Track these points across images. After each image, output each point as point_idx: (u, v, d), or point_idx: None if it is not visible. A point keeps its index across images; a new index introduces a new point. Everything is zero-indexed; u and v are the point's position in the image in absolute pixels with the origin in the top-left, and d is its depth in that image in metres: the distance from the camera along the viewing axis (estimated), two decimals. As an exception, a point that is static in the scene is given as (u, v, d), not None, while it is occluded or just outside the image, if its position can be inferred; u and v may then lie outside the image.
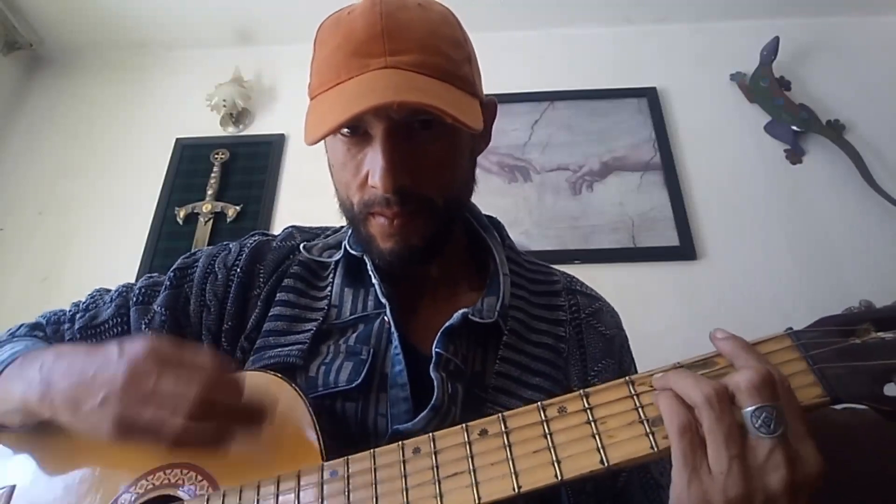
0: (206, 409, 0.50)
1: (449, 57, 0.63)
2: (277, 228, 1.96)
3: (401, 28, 0.60)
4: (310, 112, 0.64)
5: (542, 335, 0.70)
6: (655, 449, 0.45)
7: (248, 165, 2.13)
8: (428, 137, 0.62)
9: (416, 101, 0.57)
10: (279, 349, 0.66)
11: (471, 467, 0.47)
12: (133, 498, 0.58)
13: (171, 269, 0.75)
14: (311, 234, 0.81)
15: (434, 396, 0.58)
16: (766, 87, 2.10)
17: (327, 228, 0.82)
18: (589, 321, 0.75)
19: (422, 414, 0.58)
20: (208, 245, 1.93)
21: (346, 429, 0.61)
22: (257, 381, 0.60)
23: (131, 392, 0.51)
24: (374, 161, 0.60)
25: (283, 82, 2.29)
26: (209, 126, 2.18)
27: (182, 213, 2.01)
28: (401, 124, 0.60)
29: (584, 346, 0.72)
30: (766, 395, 0.43)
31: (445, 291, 0.73)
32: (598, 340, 0.74)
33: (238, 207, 2.02)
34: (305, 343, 0.66)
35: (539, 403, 0.49)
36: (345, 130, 0.62)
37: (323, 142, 0.69)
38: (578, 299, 0.77)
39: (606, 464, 0.45)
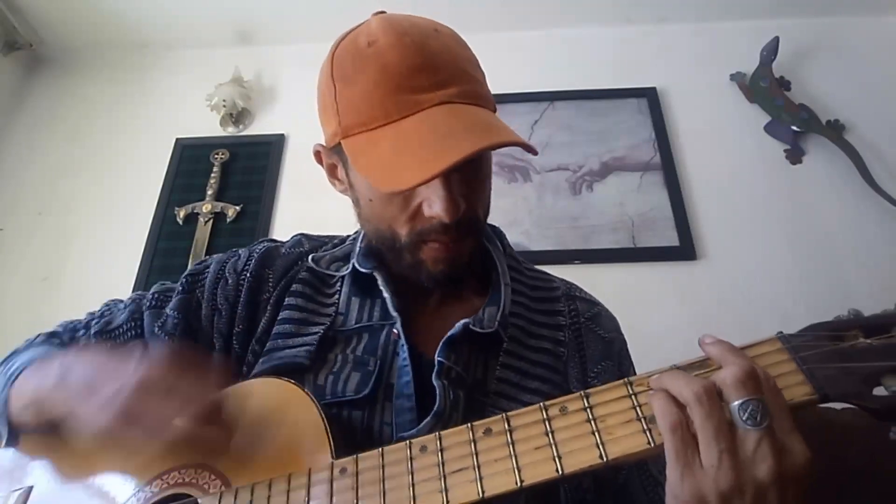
0: (213, 416, 0.53)
1: (478, 81, 0.66)
2: (278, 229, 1.98)
3: (436, 58, 0.62)
4: (364, 152, 0.62)
5: (542, 340, 0.72)
6: (652, 444, 0.46)
7: (248, 165, 2.13)
8: (474, 162, 0.64)
9: (506, 141, 0.59)
10: (287, 350, 0.68)
11: (475, 463, 0.49)
12: (148, 496, 0.59)
13: (183, 276, 0.77)
14: (318, 241, 0.82)
15: (437, 403, 0.60)
16: (766, 87, 2.11)
17: (334, 237, 0.83)
18: (588, 325, 0.77)
19: (425, 420, 0.60)
20: (208, 245, 1.94)
21: (352, 435, 0.62)
22: (271, 387, 0.62)
23: (145, 388, 0.54)
24: (432, 192, 0.62)
25: (283, 82, 2.29)
26: (209, 126, 2.18)
27: (182, 214, 2.01)
28: None
29: (583, 349, 0.74)
30: (751, 388, 0.45)
31: (451, 298, 0.75)
32: (598, 343, 0.75)
33: (238, 207, 2.03)
34: (313, 345, 0.68)
35: (542, 403, 0.51)
36: None
37: (336, 170, 0.71)
38: (578, 305, 0.79)
39: (605, 459, 0.46)
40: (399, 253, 0.68)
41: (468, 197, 0.64)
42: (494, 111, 0.67)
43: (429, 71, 0.60)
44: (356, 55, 0.63)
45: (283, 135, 2.17)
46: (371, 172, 0.60)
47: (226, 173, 2.11)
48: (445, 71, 0.61)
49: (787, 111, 2.06)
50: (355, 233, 0.80)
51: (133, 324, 0.74)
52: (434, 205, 0.61)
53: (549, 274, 0.83)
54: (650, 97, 2.16)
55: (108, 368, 0.58)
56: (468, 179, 0.64)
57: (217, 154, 2.13)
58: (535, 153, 0.65)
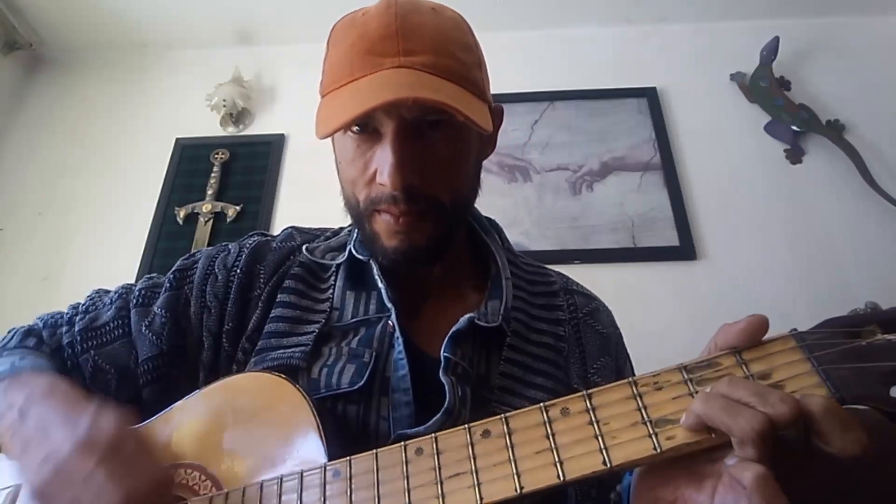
0: None
1: (460, 60, 0.64)
2: (277, 228, 1.96)
3: (414, 29, 0.61)
4: (321, 107, 0.65)
5: (543, 335, 0.71)
6: (658, 450, 0.44)
7: (248, 165, 2.13)
8: (437, 137, 0.62)
9: (431, 99, 0.57)
10: (281, 350, 0.66)
11: (473, 468, 0.47)
12: None
13: (171, 271, 0.75)
14: (310, 235, 0.80)
15: (446, 400, 0.58)
16: (766, 87, 2.11)
17: (327, 229, 0.82)
18: (587, 320, 0.76)
19: (434, 418, 0.58)
20: (208, 245, 1.93)
21: (348, 431, 0.61)
22: (261, 382, 0.60)
23: (63, 472, 0.50)
24: (383, 158, 0.60)
25: (283, 82, 2.29)
26: (209, 126, 2.18)
27: (182, 213, 2.01)
28: (411, 123, 0.60)
29: (582, 345, 0.73)
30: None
31: (449, 293, 0.73)
32: (596, 339, 0.75)
33: (238, 207, 2.03)
34: (308, 345, 0.66)
35: (542, 404, 0.48)
36: (354, 127, 0.62)
37: (329, 139, 0.69)
38: (576, 299, 0.78)
39: (609, 465, 0.44)
40: (360, 222, 0.67)
41: (424, 173, 0.62)
42: (486, 101, 0.67)
43: (401, 38, 0.60)
44: (349, 22, 0.66)
45: (283, 135, 2.17)
46: (317, 122, 0.62)
47: (226, 173, 2.11)
48: (419, 41, 0.61)
49: (787, 111, 2.06)
50: (350, 225, 0.78)
51: (120, 322, 0.71)
52: (383, 170, 0.60)
53: (544, 266, 0.82)
54: (650, 97, 2.15)
55: (56, 425, 0.54)
56: (427, 155, 0.62)
57: (217, 154, 2.13)
58: (481, 128, 0.61)
